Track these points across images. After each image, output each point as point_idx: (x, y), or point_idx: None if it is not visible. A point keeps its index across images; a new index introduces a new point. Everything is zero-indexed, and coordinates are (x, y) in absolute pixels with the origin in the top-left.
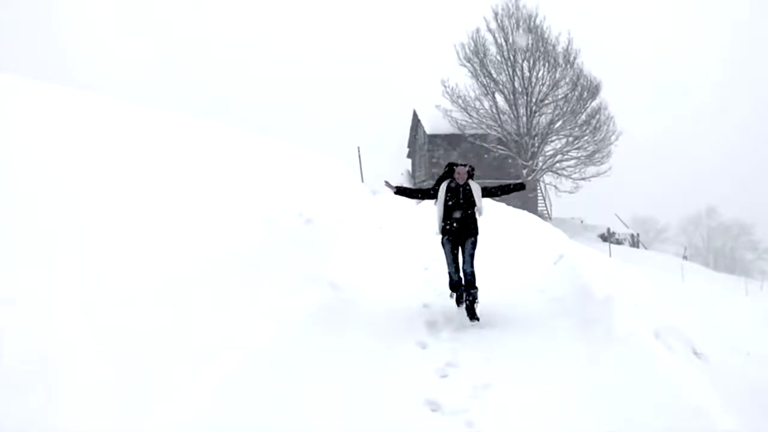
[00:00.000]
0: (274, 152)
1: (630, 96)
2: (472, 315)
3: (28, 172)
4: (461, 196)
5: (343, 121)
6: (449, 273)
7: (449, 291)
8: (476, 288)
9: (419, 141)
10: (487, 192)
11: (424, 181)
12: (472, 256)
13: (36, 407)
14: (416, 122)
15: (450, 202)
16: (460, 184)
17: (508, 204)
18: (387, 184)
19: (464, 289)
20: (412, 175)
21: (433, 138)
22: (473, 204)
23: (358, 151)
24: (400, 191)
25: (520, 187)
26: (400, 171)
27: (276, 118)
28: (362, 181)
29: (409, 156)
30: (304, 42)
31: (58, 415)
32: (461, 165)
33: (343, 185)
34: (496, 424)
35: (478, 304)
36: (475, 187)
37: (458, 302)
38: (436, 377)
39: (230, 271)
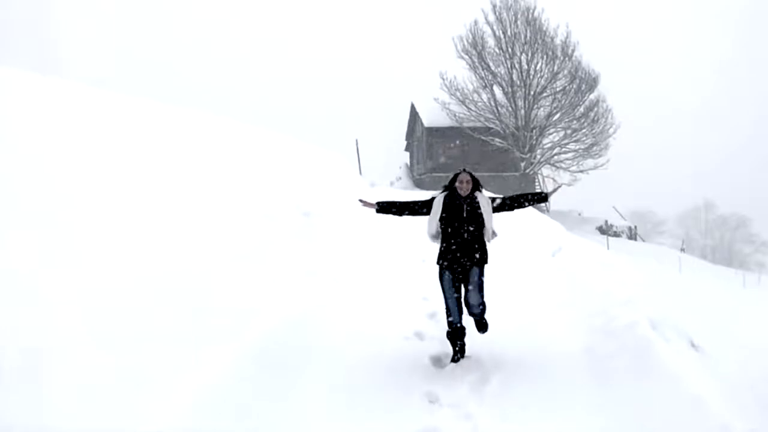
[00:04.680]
0: (271, 144)
1: (628, 89)
2: (481, 327)
3: (28, 166)
4: (464, 214)
5: (340, 114)
6: (449, 312)
7: (446, 338)
8: (485, 321)
9: (417, 134)
10: (500, 206)
11: (423, 174)
12: (481, 291)
13: (29, 404)
14: (414, 115)
15: (450, 221)
16: (462, 196)
17: (505, 196)
18: (363, 202)
19: (469, 312)
20: (411, 169)
21: (431, 131)
22: (481, 224)
23: (356, 143)
24: (385, 208)
25: (542, 198)
26: (398, 164)
27: (273, 111)
28: (360, 173)
29: (407, 149)
30: (301, 34)
31: (51, 413)
32: (463, 172)
33: (341, 178)
34: (493, 413)
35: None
36: (484, 202)
37: (455, 356)
38: (435, 368)
39: (227, 265)
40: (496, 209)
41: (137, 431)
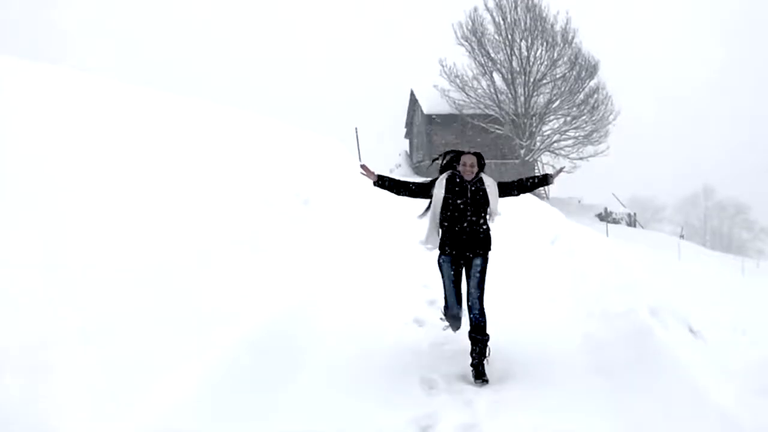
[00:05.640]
0: (271, 131)
1: (628, 76)
2: (479, 373)
3: (19, 158)
4: (468, 197)
5: (340, 102)
6: (446, 300)
7: (441, 315)
8: (486, 336)
9: (417, 121)
10: (504, 189)
11: (421, 161)
12: (481, 286)
13: (22, 400)
14: (414, 102)
15: (452, 206)
16: (467, 179)
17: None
18: (364, 168)
19: (470, 334)
20: (410, 156)
21: (431, 118)
22: (485, 207)
23: (356, 131)
24: (383, 183)
25: (546, 181)
26: (398, 152)
27: (273, 99)
28: (360, 160)
29: (406, 136)
30: (300, 21)
31: (45, 410)
32: (468, 152)
33: (340, 165)
34: (492, 400)
35: (488, 358)
36: (490, 184)
37: (454, 326)
38: (434, 355)
39: (226, 253)
40: (502, 194)
41: (136, 423)
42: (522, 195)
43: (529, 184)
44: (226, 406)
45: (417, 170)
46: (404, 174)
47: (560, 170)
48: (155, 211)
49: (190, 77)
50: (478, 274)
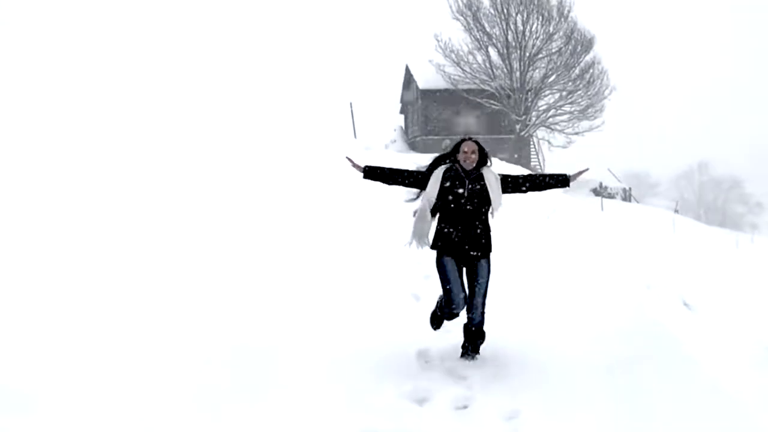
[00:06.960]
0: (265, 107)
1: (623, 50)
2: (473, 350)
3: (19, 154)
4: (468, 191)
5: (334, 77)
6: (449, 297)
7: (433, 315)
8: (483, 335)
9: (412, 96)
10: (510, 186)
11: (417, 137)
12: (484, 294)
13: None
14: (409, 77)
15: (450, 201)
16: (467, 170)
17: (501, 159)
18: (350, 161)
19: (466, 329)
20: (405, 131)
21: (426, 93)
22: (486, 203)
23: (351, 106)
24: (372, 173)
25: (563, 182)
26: (393, 127)
27: (266, 73)
28: (355, 136)
29: (401, 112)
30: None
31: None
32: (468, 140)
33: (335, 140)
34: (487, 373)
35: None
36: (492, 178)
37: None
38: (430, 330)
39: (223, 232)
40: (507, 190)
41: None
42: (535, 192)
43: (541, 183)
44: (223, 383)
45: (412, 146)
46: (400, 150)
47: (582, 171)
48: (149, 205)
49: (179, 46)
50: (485, 285)
